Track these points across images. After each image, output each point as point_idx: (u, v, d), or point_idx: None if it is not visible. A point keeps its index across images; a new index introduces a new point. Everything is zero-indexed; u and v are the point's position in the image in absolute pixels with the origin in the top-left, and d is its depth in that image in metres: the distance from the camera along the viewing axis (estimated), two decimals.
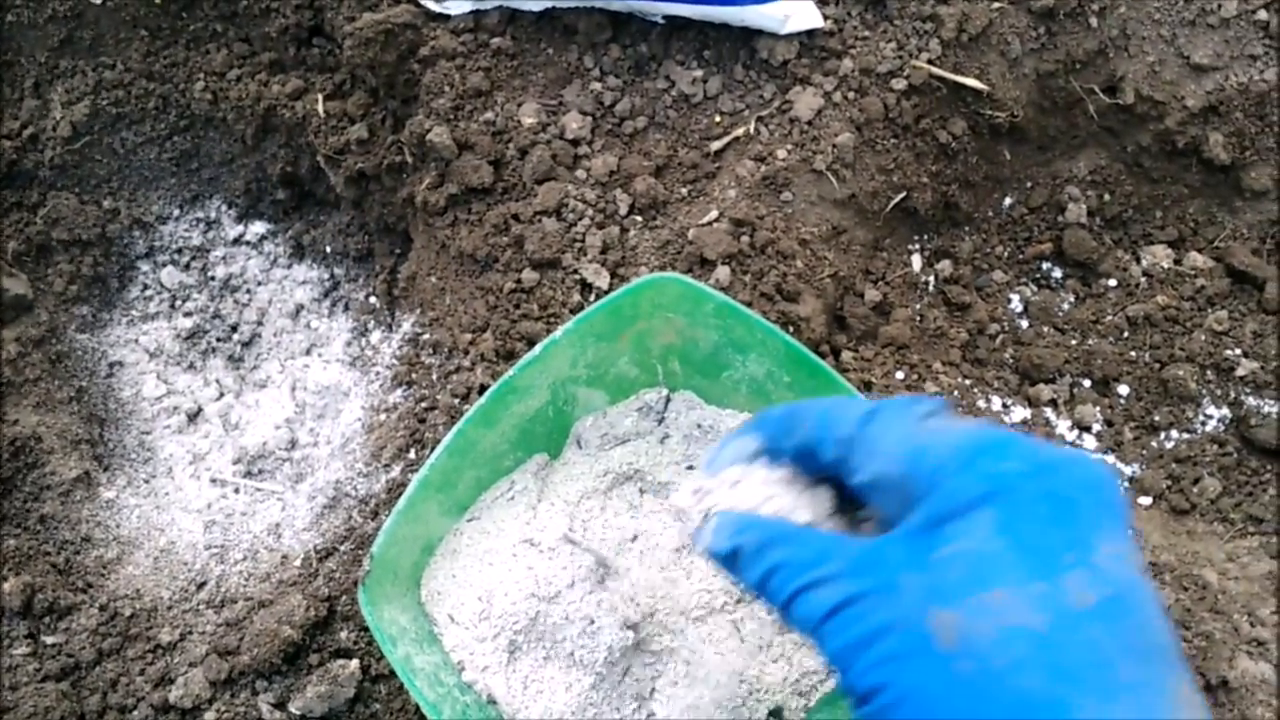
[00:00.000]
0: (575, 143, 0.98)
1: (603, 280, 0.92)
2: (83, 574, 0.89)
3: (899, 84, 0.99)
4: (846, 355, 0.98)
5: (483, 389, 0.89)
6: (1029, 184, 1.09)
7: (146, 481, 1.01)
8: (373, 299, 1.08)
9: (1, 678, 0.81)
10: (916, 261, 1.06)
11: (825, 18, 0.99)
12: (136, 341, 1.09)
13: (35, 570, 0.86)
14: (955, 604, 0.45)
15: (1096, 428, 1.01)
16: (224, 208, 1.13)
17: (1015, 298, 1.07)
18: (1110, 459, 0.99)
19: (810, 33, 0.99)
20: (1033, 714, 0.42)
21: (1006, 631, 0.43)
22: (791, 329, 0.93)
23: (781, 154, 0.97)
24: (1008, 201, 1.09)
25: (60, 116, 1.05)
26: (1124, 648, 0.43)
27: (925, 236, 1.07)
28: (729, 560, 0.54)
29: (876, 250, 1.03)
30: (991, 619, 0.44)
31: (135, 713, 0.82)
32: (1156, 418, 1.00)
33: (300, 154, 1.08)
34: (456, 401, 0.89)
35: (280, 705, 0.82)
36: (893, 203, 1.02)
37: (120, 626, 0.85)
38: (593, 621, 0.77)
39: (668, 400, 0.86)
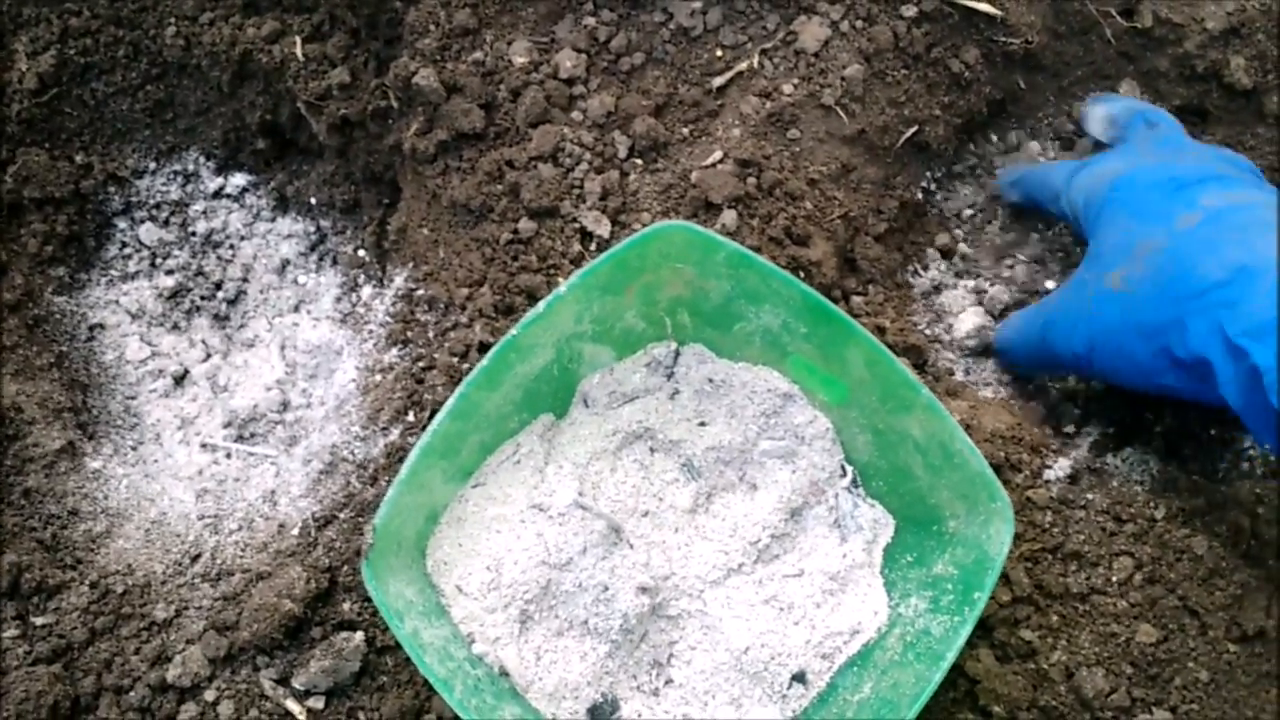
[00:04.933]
0: (570, 82, 0.92)
1: (603, 228, 0.88)
2: (71, 549, 0.85)
3: (909, 11, 0.94)
4: (856, 300, 0.94)
5: (482, 347, 0.85)
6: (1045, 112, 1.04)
7: (134, 449, 0.97)
8: (361, 252, 1.04)
9: None
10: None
11: None
12: (117, 302, 1.04)
13: (21, 548, 0.83)
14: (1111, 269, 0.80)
15: None
16: (202, 159, 1.07)
17: None
18: None
19: None
20: None
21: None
22: (802, 274, 0.89)
23: (787, 89, 0.92)
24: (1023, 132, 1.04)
25: (26, 68, 0.99)
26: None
27: (937, 171, 1.03)
28: None
29: (887, 188, 0.98)
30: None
31: (132, 694, 0.78)
32: None
33: (280, 101, 1.03)
34: (455, 360, 0.85)
35: (283, 681, 0.79)
36: (904, 137, 0.97)
37: (113, 604, 0.82)
38: (606, 588, 0.74)
39: (677, 354, 0.82)
